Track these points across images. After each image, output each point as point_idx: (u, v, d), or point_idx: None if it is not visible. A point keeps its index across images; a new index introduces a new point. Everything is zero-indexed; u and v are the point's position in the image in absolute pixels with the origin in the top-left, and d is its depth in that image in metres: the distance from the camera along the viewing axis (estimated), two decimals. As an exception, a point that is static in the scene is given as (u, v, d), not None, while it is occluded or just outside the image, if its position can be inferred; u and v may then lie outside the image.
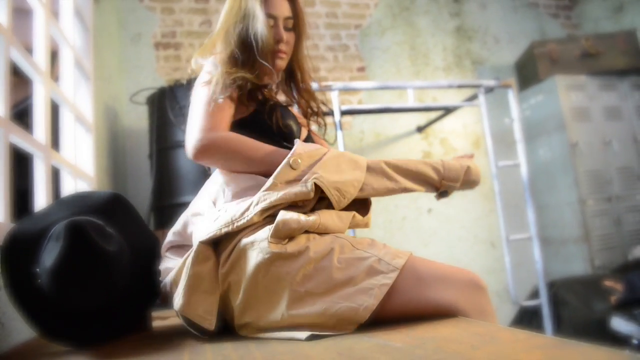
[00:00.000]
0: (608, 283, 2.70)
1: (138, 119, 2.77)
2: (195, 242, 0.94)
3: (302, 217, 0.87)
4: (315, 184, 0.89)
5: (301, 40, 1.21)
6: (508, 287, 2.74)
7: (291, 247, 0.84)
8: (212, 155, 0.99)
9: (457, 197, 3.44)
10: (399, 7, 3.64)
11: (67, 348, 0.90)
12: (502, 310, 3.07)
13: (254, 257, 0.85)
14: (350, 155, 0.99)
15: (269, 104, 1.08)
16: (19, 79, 1.50)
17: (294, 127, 1.12)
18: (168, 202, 2.29)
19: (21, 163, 1.40)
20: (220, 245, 0.91)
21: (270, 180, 0.90)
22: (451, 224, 3.39)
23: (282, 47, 1.15)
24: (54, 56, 1.72)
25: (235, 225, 0.88)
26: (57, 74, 1.79)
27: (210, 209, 0.99)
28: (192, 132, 0.99)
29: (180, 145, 2.27)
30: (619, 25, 3.68)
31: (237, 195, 0.96)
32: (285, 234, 0.85)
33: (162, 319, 1.25)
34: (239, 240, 0.88)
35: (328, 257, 0.84)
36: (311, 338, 0.76)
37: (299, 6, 1.18)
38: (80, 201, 0.99)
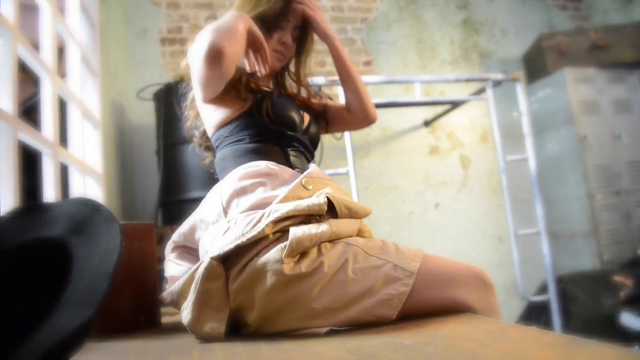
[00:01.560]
0: (617, 278, 2.68)
1: (145, 114, 2.77)
2: (203, 253, 0.93)
3: (314, 229, 0.85)
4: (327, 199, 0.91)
5: (302, 57, 1.26)
6: (516, 282, 2.73)
7: (305, 265, 0.82)
8: (217, 46, 0.93)
9: (465, 192, 3.43)
10: (406, 0, 3.61)
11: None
12: (510, 306, 3.05)
13: (268, 279, 0.82)
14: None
15: (259, 96, 1.09)
16: (26, 76, 1.50)
17: (296, 117, 1.12)
18: (175, 197, 2.30)
19: (30, 160, 1.41)
20: (230, 260, 0.86)
21: (282, 194, 0.90)
22: (458, 218, 3.38)
23: (283, 48, 1.16)
24: (60, 52, 1.73)
25: (246, 237, 0.84)
26: (64, 71, 1.80)
27: (219, 217, 0.94)
28: (194, 60, 1.02)
29: (188, 141, 2.27)
30: (628, 17, 3.63)
31: (248, 209, 0.92)
32: (298, 252, 0.83)
33: (172, 315, 1.26)
34: (251, 259, 0.84)
35: (342, 270, 0.82)
36: (330, 331, 0.77)
37: (310, 26, 1.22)
38: None
